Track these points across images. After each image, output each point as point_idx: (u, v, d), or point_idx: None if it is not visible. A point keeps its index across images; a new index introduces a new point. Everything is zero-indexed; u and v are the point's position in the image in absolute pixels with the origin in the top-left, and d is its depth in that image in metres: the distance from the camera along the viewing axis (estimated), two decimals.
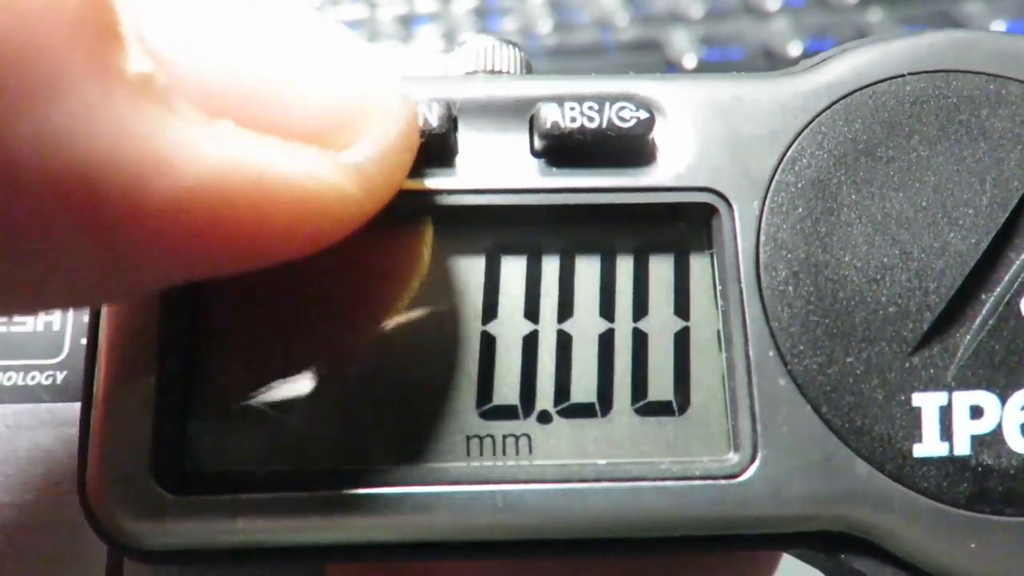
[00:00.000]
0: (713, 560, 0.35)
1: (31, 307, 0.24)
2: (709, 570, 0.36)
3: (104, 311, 0.27)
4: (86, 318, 0.29)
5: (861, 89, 0.29)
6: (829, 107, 0.29)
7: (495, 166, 0.28)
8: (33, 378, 0.30)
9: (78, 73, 0.19)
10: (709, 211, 0.28)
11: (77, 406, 0.28)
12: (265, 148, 0.21)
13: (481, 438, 0.27)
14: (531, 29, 0.88)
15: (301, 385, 0.27)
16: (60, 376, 0.30)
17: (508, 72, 0.33)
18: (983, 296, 0.28)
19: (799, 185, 0.28)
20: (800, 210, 0.28)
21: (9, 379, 0.29)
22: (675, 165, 0.29)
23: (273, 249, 0.22)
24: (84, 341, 0.29)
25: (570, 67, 0.85)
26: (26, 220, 0.19)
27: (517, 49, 0.33)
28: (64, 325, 0.30)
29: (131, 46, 0.20)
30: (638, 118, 0.28)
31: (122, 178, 0.19)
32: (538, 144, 0.29)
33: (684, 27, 0.86)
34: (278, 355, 0.27)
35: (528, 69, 0.34)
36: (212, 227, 0.20)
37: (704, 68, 0.82)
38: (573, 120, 0.28)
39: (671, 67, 0.84)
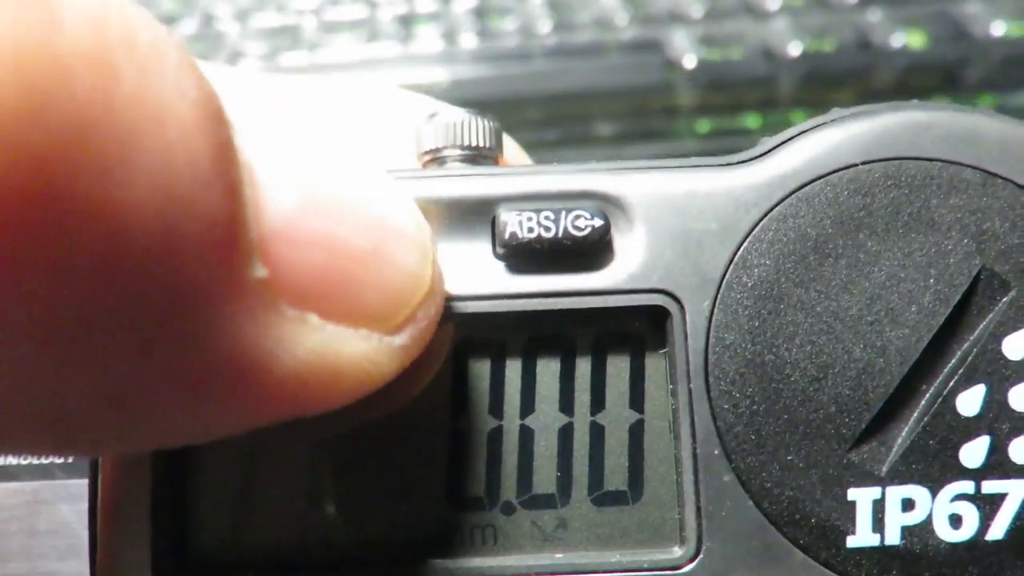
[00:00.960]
0: None
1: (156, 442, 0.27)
2: None
3: None
4: None
5: (814, 181, 0.30)
6: (781, 201, 0.30)
7: (461, 270, 0.30)
8: (48, 457, 0.32)
9: (215, 288, 0.21)
10: (663, 312, 0.30)
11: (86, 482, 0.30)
12: (342, 339, 0.24)
13: (451, 529, 0.30)
14: (531, 29, 0.88)
15: (282, 483, 0.30)
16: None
17: (479, 147, 0.33)
18: (922, 389, 0.30)
19: (748, 285, 0.30)
20: (748, 311, 0.30)
21: (26, 458, 0.32)
22: (630, 266, 0.30)
23: (320, 408, 0.25)
24: None
25: (570, 67, 0.85)
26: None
27: (487, 121, 0.34)
28: None
29: (255, 254, 0.22)
30: (593, 226, 0.30)
31: (233, 371, 0.22)
32: (500, 249, 0.30)
33: (684, 27, 0.86)
34: (265, 457, 0.30)
35: (498, 138, 0.34)
36: (295, 400, 0.24)
37: (704, 68, 0.82)
38: (531, 230, 0.30)
39: (671, 67, 0.84)
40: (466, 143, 0.33)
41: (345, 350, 0.24)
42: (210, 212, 0.20)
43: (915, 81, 0.79)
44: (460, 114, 0.34)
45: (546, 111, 0.84)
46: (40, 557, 0.31)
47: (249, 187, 0.22)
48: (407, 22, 0.92)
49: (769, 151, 0.31)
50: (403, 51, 0.88)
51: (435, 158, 0.34)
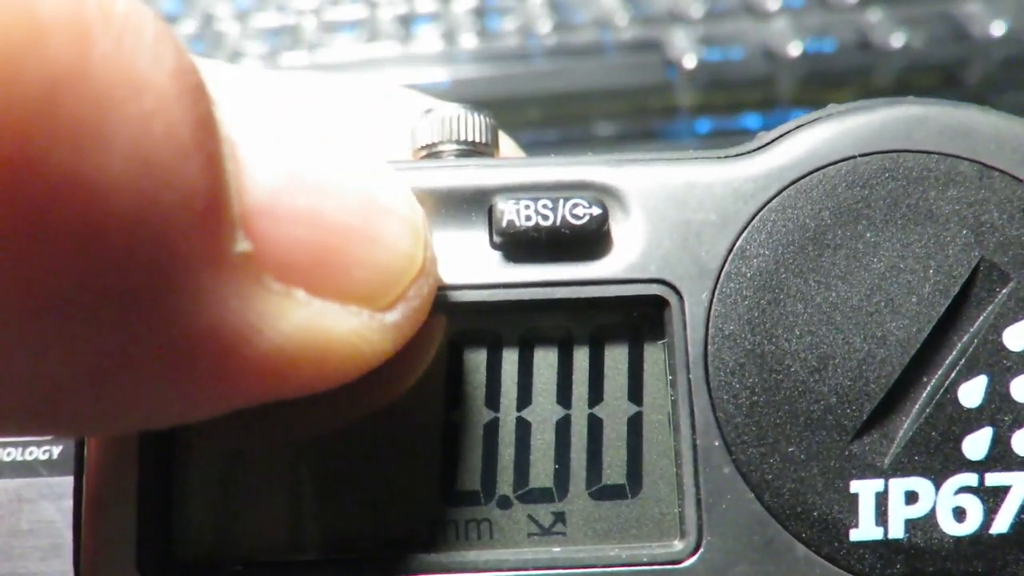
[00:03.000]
0: None
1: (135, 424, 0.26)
2: None
3: None
4: None
5: (812, 172, 0.30)
6: (780, 192, 0.30)
7: (457, 259, 0.30)
8: (31, 453, 0.31)
9: (196, 261, 0.21)
10: (661, 302, 0.30)
11: (70, 480, 0.30)
12: (330, 315, 0.24)
13: (444, 524, 0.29)
14: (531, 29, 0.88)
15: (273, 478, 0.29)
16: (57, 451, 0.31)
17: (475, 142, 0.33)
18: (923, 381, 0.29)
19: (747, 275, 0.29)
20: (747, 301, 0.29)
21: (8, 455, 0.31)
22: (628, 256, 0.30)
23: (313, 387, 0.24)
24: None
25: (570, 67, 0.85)
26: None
27: (483, 116, 0.34)
28: None
29: (238, 228, 0.22)
30: (591, 214, 0.29)
31: (216, 346, 0.22)
32: (496, 238, 0.30)
33: (684, 27, 0.86)
34: (254, 451, 0.29)
35: (494, 134, 0.34)
36: (282, 377, 0.23)
37: (704, 68, 0.82)
38: (528, 219, 0.29)
39: (671, 67, 0.84)
40: (462, 138, 0.33)
41: (333, 326, 0.24)
42: (190, 183, 0.20)
43: (915, 81, 0.78)
44: (456, 109, 0.34)
45: (546, 111, 0.84)
46: (22, 557, 0.31)
47: (231, 162, 0.22)
48: (407, 22, 0.92)
49: (767, 144, 0.31)
50: (403, 51, 0.88)
51: (431, 153, 0.33)
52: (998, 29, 0.79)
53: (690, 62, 0.83)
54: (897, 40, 0.79)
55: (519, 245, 0.30)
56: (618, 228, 0.30)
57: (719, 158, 0.31)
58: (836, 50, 0.81)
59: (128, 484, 0.28)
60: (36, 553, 0.31)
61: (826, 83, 0.80)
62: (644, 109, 0.84)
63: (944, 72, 0.79)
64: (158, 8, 0.94)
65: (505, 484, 0.29)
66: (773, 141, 0.31)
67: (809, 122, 0.31)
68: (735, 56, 0.84)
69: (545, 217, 0.29)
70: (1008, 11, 0.79)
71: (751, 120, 0.82)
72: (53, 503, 0.31)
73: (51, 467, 0.31)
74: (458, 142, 0.33)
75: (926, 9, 0.81)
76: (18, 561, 0.31)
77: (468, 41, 0.88)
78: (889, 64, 0.79)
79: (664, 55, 0.84)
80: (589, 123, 0.86)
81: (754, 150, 0.31)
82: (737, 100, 0.83)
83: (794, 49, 0.81)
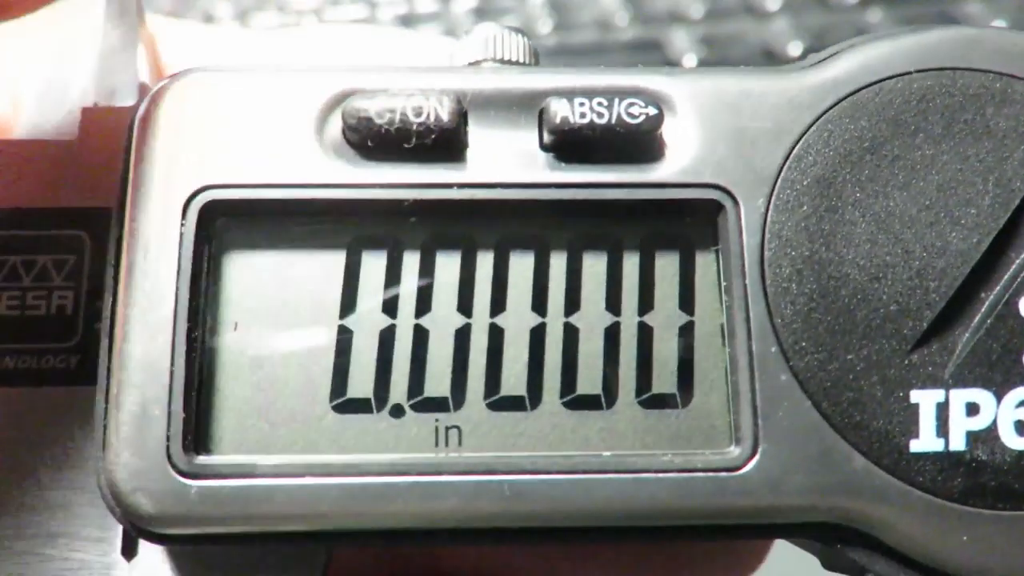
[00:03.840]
0: (709, 547, 0.36)
1: None
2: (706, 554, 0.37)
3: (123, 292, 0.27)
4: (99, 303, 0.30)
5: (868, 86, 0.30)
6: (836, 104, 0.30)
7: (504, 160, 0.29)
8: (47, 362, 0.30)
9: None
10: (715, 208, 0.29)
11: (90, 389, 0.28)
12: None
13: (487, 428, 0.28)
14: (531, 29, 0.88)
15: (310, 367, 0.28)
16: (74, 360, 0.30)
17: (517, 61, 0.33)
18: (982, 295, 0.29)
19: (804, 183, 0.29)
20: (805, 208, 0.29)
21: (24, 362, 0.30)
22: (682, 161, 0.29)
23: None
24: (97, 325, 0.30)
25: (570, 67, 0.85)
26: None
27: (524, 37, 0.33)
28: (77, 309, 0.30)
29: None
30: (647, 114, 0.29)
31: None
32: (547, 139, 0.29)
33: (684, 27, 0.86)
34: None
35: (535, 58, 0.34)
36: None
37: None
38: (583, 116, 0.28)
39: (671, 67, 0.84)
40: (506, 57, 0.33)
41: None
42: None
43: None
44: (497, 28, 0.33)
45: None
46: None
47: None
48: (407, 22, 0.91)
49: (822, 61, 0.31)
50: None
51: None
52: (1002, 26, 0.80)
53: (690, 62, 0.83)
54: None
55: (570, 145, 0.29)
56: (671, 134, 0.29)
57: (773, 72, 0.31)
58: None
59: (162, 372, 0.27)
60: (48, 463, 0.29)
61: None
62: None
63: None
64: (158, 8, 0.94)
65: (551, 391, 0.28)
66: (828, 58, 0.31)
67: (863, 41, 0.31)
68: (735, 56, 0.84)
69: (600, 115, 0.29)
70: (1008, 11, 0.80)
71: None
72: (68, 413, 0.29)
73: (68, 376, 0.30)
74: (502, 61, 0.33)
75: (926, 9, 0.82)
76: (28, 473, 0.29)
77: None
78: None
79: (664, 55, 0.84)
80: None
81: (809, 66, 0.31)
82: None
83: (794, 49, 0.82)
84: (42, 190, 0.30)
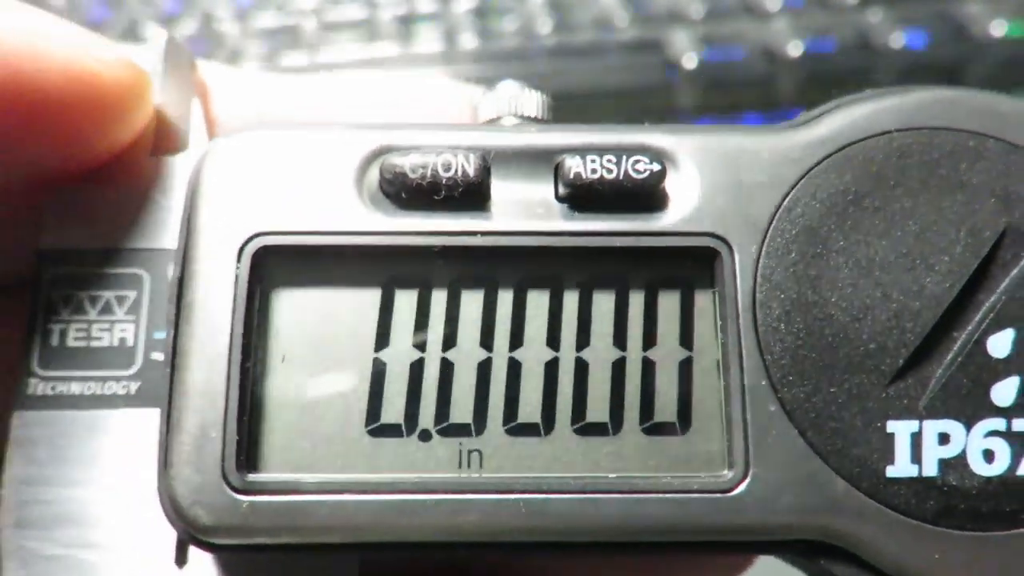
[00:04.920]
0: (702, 559, 0.39)
1: None
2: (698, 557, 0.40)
3: (184, 327, 0.31)
4: (157, 335, 0.33)
5: (853, 143, 0.33)
6: (824, 159, 0.33)
7: (523, 210, 0.32)
8: (109, 387, 0.33)
9: None
10: (713, 254, 0.32)
11: (151, 411, 0.32)
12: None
13: (506, 451, 0.31)
14: (531, 29, 0.89)
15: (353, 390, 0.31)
16: (134, 387, 0.33)
17: (535, 116, 0.36)
18: (954, 335, 0.32)
19: (794, 231, 0.32)
20: (794, 254, 0.32)
21: (89, 388, 0.33)
22: (683, 211, 0.32)
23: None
24: (155, 355, 0.33)
25: (570, 67, 0.86)
26: None
27: (541, 94, 0.37)
28: (137, 340, 0.34)
29: None
30: (651, 170, 0.32)
31: None
32: (562, 191, 0.32)
33: (684, 27, 0.88)
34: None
35: (550, 111, 0.37)
36: None
37: (704, 68, 0.84)
38: (594, 171, 0.32)
39: (671, 67, 0.85)
40: (523, 113, 0.36)
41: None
42: None
43: (915, 81, 0.80)
44: (516, 86, 0.37)
45: None
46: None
47: None
48: (407, 22, 0.93)
49: (811, 119, 0.34)
50: (403, 51, 0.89)
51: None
52: (998, 29, 0.81)
53: (690, 62, 0.84)
54: (897, 40, 0.82)
55: (583, 197, 0.32)
56: (673, 186, 0.33)
57: (767, 130, 0.34)
58: (836, 50, 0.83)
59: (219, 396, 0.30)
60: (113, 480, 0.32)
61: (826, 83, 0.81)
62: (644, 109, 0.85)
63: (944, 72, 0.81)
64: (158, 8, 0.95)
65: (563, 419, 0.31)
66: (817, 117, 0.34)
67: (850, 100, 0.34)
68: (735, 56, 0.85)
69: (609, 171, 0.32)
70: (1008, 11, 0.81)
71: (751, 121, 0.83)
72: (130, 433, 0.33)
73: (128, 400, 0.33)
74: (520, 117, 0.36)
75: (926, 9, 0.83)
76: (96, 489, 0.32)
77: (468, 41, 0.89)
78: (889, 64, 0.81)
79: (664, 55, 0.86)
80: (589, 123, 0.86)
81: (799, 124, 0.34)
82: (737, 100, 0.84)
83: (794, 49, 0.83)
84: (107, 232, 0.34)
